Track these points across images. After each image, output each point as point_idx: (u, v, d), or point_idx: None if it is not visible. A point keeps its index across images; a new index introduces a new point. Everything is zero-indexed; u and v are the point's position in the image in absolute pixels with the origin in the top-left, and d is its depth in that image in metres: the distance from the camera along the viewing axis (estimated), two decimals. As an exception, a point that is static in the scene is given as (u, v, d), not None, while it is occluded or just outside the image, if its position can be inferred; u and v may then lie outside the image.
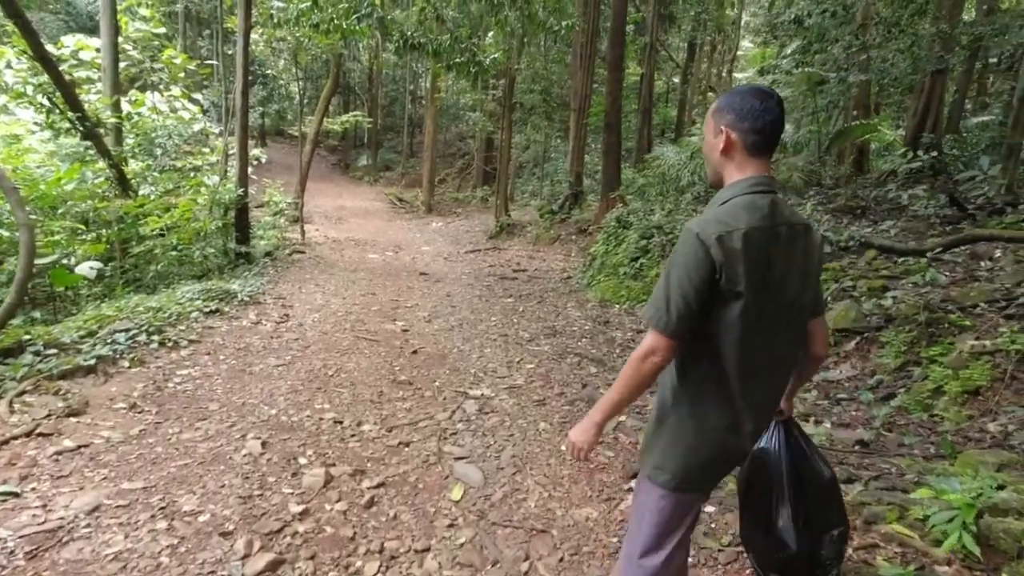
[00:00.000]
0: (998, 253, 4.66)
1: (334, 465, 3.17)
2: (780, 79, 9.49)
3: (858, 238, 5.23)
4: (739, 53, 19.71)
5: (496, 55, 10.02)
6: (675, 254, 1.33)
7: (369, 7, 9.00)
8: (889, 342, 4.12)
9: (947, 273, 4.36)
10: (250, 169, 11.69)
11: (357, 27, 8.97)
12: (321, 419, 3.74)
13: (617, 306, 7.12)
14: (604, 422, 1.42)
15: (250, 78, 20.54)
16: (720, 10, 15.90)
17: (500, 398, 4.25)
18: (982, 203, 5.67)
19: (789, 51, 19.57)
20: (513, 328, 6.22)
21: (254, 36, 15.60)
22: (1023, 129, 7.78)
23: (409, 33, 9.43)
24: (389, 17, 9.96)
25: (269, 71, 18.92)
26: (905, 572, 1.96)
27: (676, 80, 19.29)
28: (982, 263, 4.57)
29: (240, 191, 8.76)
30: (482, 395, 4.30)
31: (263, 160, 13.57)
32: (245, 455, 3.18)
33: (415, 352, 5.27)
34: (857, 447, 3.18)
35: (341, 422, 3.72)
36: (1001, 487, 2.35)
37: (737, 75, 19.86)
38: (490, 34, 13.93)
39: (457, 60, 9.78)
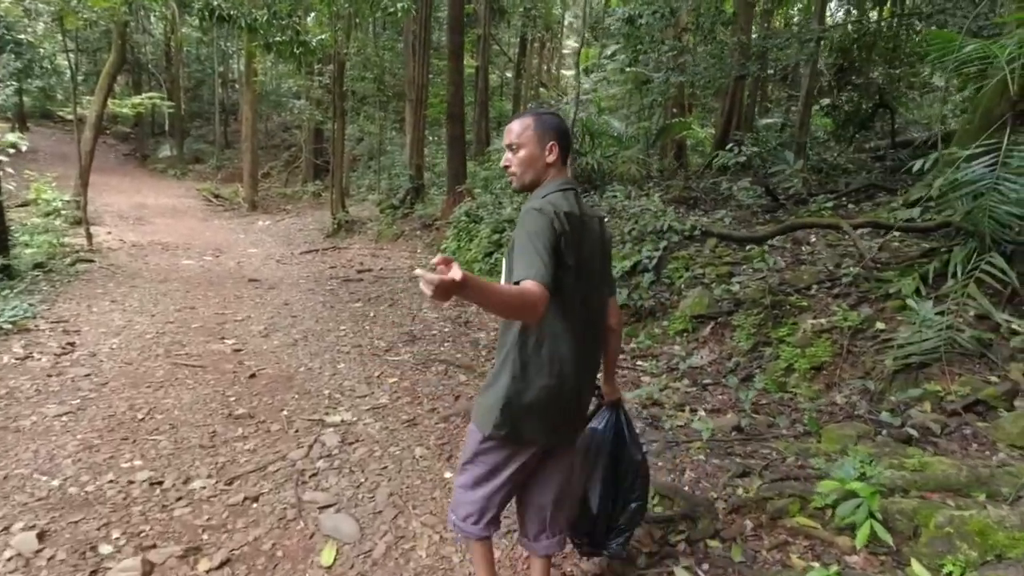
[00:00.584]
0: (813, 238, 5.21)
1: (154, 547, 2.39)
2: (609, 77, 9.91)
3: (700, 227, 5.53)
4: (564, 52, 20.62)
5: (323, 36, 9.09)
6: (522, 227, 1.51)
7: (163, -33, 7.55)
8: (740, 325, 4.35)
9: (777, 258, 4.74)
10: (5, 159, 9.36)
11: (148, -10, 7.47)
12: (130, 482, 2.87)
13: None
14: (464, 293, 1.21)
15: (-2, 45, 16.54)
16: (548, 7, 16.38)
17: (364, 423, 3.69)
18: (792, 194, 6.40)
19: (609, 52, 20.96)
20: (367, 337, 5.59)
21: (0, -8, 12.54)
22: (807, 130, 9.01)
23: (216, 3, 8.12)
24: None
25: (22, 36, 15.39)
26: (827, 573, 1.90)
27: (508, 75, 19.58)
28: (803, 247, 5.08)
29: (-10, 187, 6.82)
30: (342, 421, 3.69)
31: (23, 147, 10.92)
32: (10, 559, 2.26)
33: (253, 376, 4.42)
34: (734, 433, 3.24)
35: (160, 482, 2.88)
36: (870, 463, 2.46)
37: (565, 72, 20.76)
38: (311, 15, 12.73)
39: (278, 39, 8.68)
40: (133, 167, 23.01)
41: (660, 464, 2.95)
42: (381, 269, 9.29)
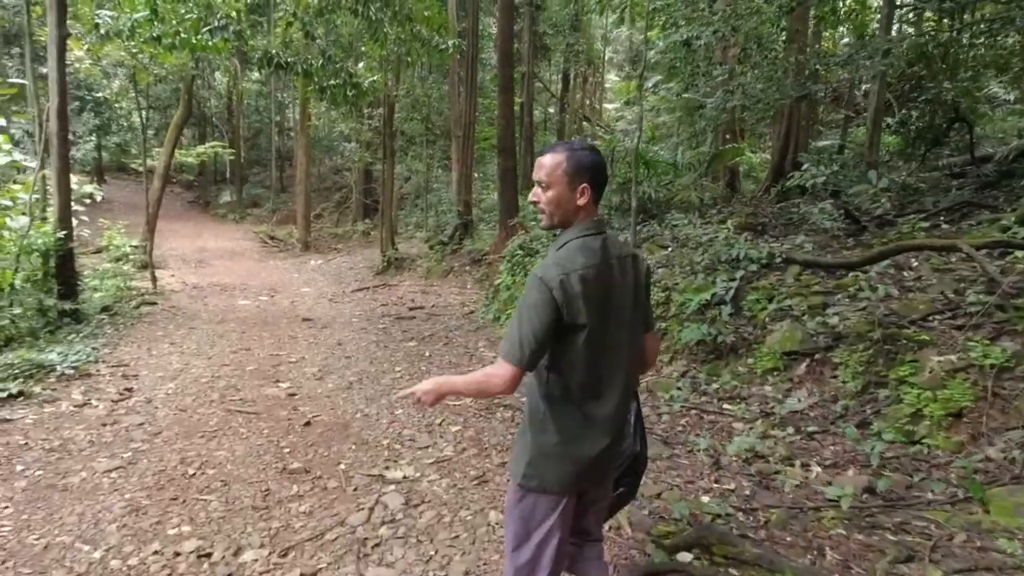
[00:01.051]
0: (915, 263, 4.60)
1: (199, 640, 2.04)
2: (658, 105, 9.53)
3: (778, 254, 5.00)
4: (607, 86, 20.53)
5: (375, 78, 9.11)
6: (524, 297, 1.51)
7: (224, 20, 7.71)
8: (843, 363, 3.78)
9: (884, 286, 4.16)
10: (82, 208, 9.69)
11: (209, 42, 7.61)
12: (177, 554, 2.53)
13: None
14: (444, 395, 1.67)
15: (77, 103, 17.62)
16: (589, 43, 16.30)
17: (429, 479, 3.28)
18: (878, 215, 5.80)
19: (651, 84, 20.70)
20: (424, 379, 5.25)
21: (78, 53, 13.28)
22: (877, 149, 8.36)
23: (273, 51, 8.23)
24: (248, 33, 8.70)
25: (100, 94, 16.23)
26: None
27: (551, 110, 19.55)
28: (905, 273, 4.47)
29: (61, 234, 6.93)
30: (404, 478, 3.30)
31: (98, 198, 11.33)
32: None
33: (308, 424, 4.11)
34: (868, 497, 2.67)
35: (208, 554, 2.53)
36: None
37: (607, 105, 20.59)
38: (361, 62, 12.97)
39: (331, 83, 8.73)
40: (196, 213, 23.95)
41: (788, 539, 2.42)
42: (433, 306, 9.02)
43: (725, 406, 3.90)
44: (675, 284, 5.24)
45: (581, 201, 1.56)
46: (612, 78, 21.09)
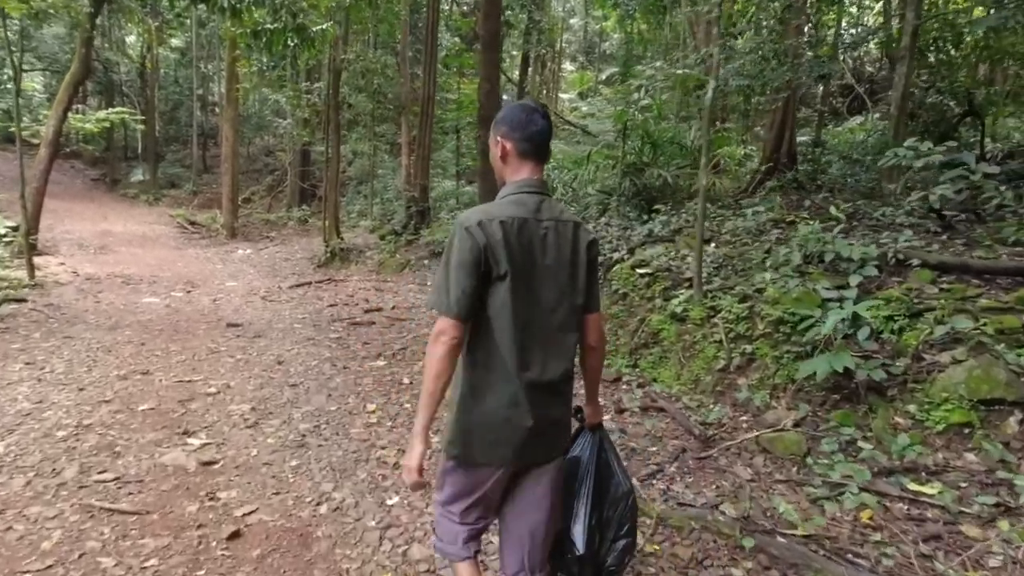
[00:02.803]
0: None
1: None
2: (651, 83, 8.12)
3: (892, 254, 3.65)
4: (562, 75, 19.15)
5: (326, 26, 7.09)
6: (447, 245, 1.38)
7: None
8: (1073, 417, 2.44)
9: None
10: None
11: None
12: None
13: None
14: (425, 428, 1.41)
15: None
16: (551, 23, 14.77)
17: None
18: (971, 210, 4.64)
19: (604, 76, 19.39)
20: (411, 422, 3.51)
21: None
22: (903, 136, 7.33)
23: (192, -23, 6.07)
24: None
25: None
26: None
27: (505, 96, 17.86)
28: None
29: None
30: None
31: None
32: None
33: (236, 535, 2.29)
34: None
35: None
36: None
37: (562, 95, 19.17)
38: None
39: (270, 25, 6.64)
40: (102, 193, 20.36)
41: None
42: (393, 308, 7.17)
43: (909, 484, 2.46)
44: (754, 291, 3.78)
45: (497, 152, 1.47)
46: (568, 67, 19.74)
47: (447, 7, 14.97)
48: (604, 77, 19.36)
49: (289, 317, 6.55)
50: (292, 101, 12.04)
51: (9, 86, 18.91)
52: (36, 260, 10.09)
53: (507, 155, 1.44)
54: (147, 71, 20.78)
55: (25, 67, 19.75)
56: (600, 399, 1.73)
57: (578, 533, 1.56)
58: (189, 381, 4.12)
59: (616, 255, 4.86)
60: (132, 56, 21.53)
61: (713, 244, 4.86)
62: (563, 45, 20.00)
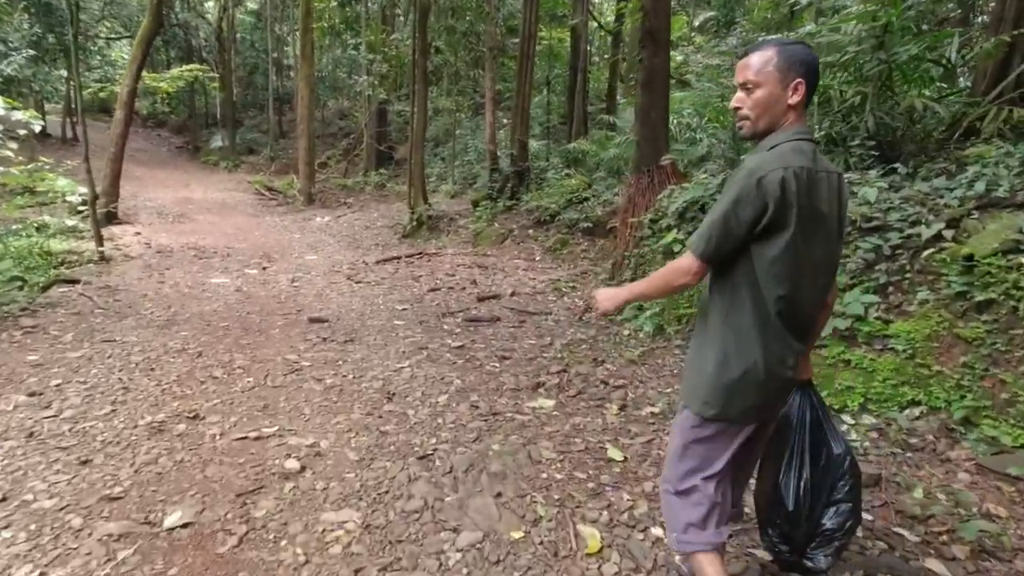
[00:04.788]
0: None
1: None
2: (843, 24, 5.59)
3: None
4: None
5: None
6: (728, 188, 1.24)
7: None
8: None
9: None
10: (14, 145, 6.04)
11: None
12: None
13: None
14: (627, 300, 1.42)
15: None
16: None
17: None
18: None
19: (698, 23, 16.25)
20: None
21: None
22: None
23: None
24: None
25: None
26: None
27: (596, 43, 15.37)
28: None
29: None
30: None
31: (36, 128, 7.45)
32: None
33: None
34: None
35: None
36: None
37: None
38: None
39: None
40: (185, 160, 19.63)
41: None
42: (513, 295, 5.35)
43: None
44: None
45: (793, 99, 1.25)
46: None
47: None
48: (698, 24, 16.37)
49: (385, 308, 4.86)
50: (371, 50, 10.21)
51: (98, 57, 18.19)
52: (114, 229, 9.01)
53: (802, 101, 1.25)
54: (224, 34, 19.56)
55: (112, 35, 19.00)
56: None
57: (787, 489, 1.40)
58: (257, 438, 2.46)
59: (923, 231, 2.77)
60: (209, 19, 20.36)
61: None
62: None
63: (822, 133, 4.22)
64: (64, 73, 15.72)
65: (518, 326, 4.31)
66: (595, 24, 14.51)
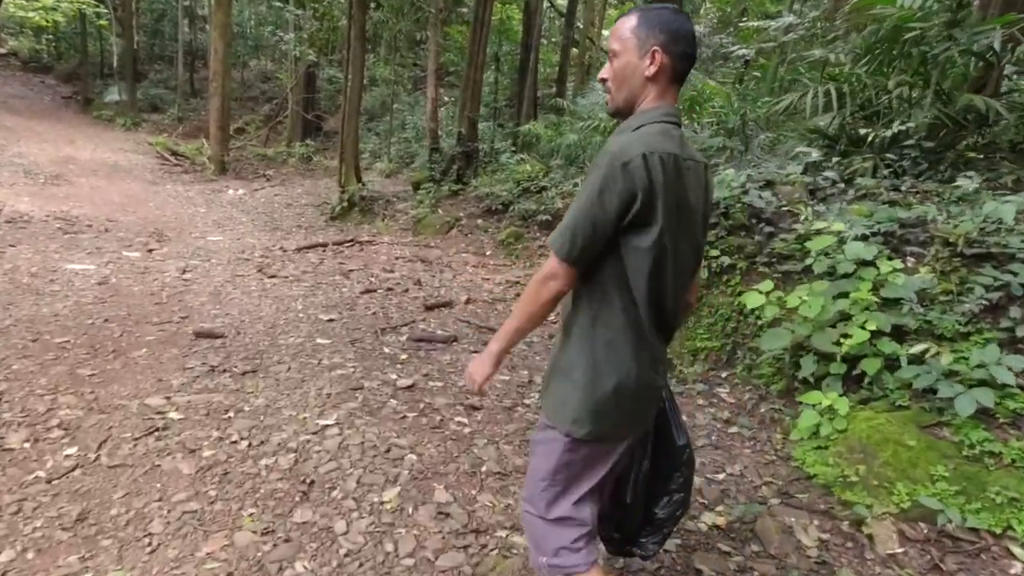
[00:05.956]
0: None
1: None
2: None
3: None
4: (609, 13, 15.57)
5: None
6: (589, 177, 1.04)
7: None
8: None
9: None
10: None
11: None
12: None
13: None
14: (502, 352, 1.16)
15: None
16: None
17: None
18: None
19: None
20: None
21: None
22: None
23: None
24: None
25: None
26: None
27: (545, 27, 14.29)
28: None
29: None
30: None
31: None
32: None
33: None
34: None
35: None
36: None
37: (604, 32, 15.62)
38: None
39: None
40: (72, 113, 16.43)
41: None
42: (468, 302, 4.28)
43: None
44: None
45: (650, 70, 1.04)
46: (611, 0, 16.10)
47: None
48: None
49: (305, 317, 3.64)
50: (300, 4, 8.52)
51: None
52: (-46, 189, 6.93)
53: (660, 73, 1.04)
54: (123, -30, 16.42)
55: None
56: None
57: (628, 482, 1.31)
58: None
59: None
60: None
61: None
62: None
63: (833, 130, 3.48)
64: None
65: (479, 349, 3.27)
66: (546, 3, 13.45)
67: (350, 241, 6.30)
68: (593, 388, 1.07)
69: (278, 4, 10.56)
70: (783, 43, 6.96)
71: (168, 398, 2.37)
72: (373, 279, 4.77)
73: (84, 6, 9.40)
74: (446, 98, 13.29)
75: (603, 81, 1.12)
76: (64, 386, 2.37)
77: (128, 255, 4.95)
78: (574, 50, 13.54)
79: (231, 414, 2.29)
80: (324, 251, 5.86)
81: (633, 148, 0.99)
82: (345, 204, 7.85)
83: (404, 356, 3.09)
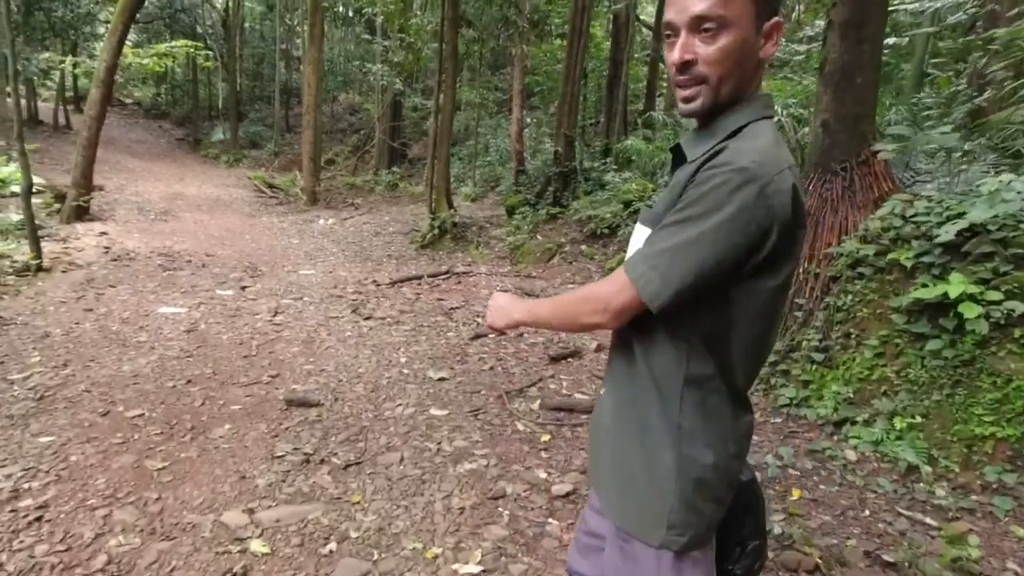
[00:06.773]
0: None
1: None
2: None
3: None
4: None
5: None
6: (710, 196, 0.67)
7: None
8: None
9: None
10: None
11: None
12: None
13: None
14: (526, 324, 0.90)
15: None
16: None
17: None
18: None
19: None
20: None
21: None
22: None
23: None
24: None
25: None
26: None
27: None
28: None
29: None
30: None
31: None
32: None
33: None
34: None
35: None
36: None
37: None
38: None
39: None
40: (184, 153, 17.68)
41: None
42: (599, 349, 3.42)
43: None
44: None
45: (769, 49, 0.72)
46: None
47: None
48: None
49: (411, 374, 2.93)
50: (387, 31, 8.27)
51: (101, 42, 16.22)
52: (78, 227, 7.10)
53: (769, 55, 0.73)
54: (230, 20, 17.63)
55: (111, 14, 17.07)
56: None
57: None
58: None
59: None
60: (215, 4, 18.45)
61: None
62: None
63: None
64: (54, 55, 13.78)
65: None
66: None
67: (445, 273, 5.68)
68: (687, 468, 0.74)
69: (366, 37, 10.52)
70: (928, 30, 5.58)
71: (251, 511, 1.69)
72: (480, 319, 4.04)
73: (194, 50, 9.78)
74: (528, 119, 12.76)
75: (687, 66, 0.70)
76: (125, 490, 1.77)
77: (221, 294, 4.58)
78: (662, 64, 12.59)
79: (332, 545, 1.56)
80: (419, 284, 5.27)
81: (769, 163, 0.66)
82: (436, 231, 7.31)
83: (545, 437, 2.28)
